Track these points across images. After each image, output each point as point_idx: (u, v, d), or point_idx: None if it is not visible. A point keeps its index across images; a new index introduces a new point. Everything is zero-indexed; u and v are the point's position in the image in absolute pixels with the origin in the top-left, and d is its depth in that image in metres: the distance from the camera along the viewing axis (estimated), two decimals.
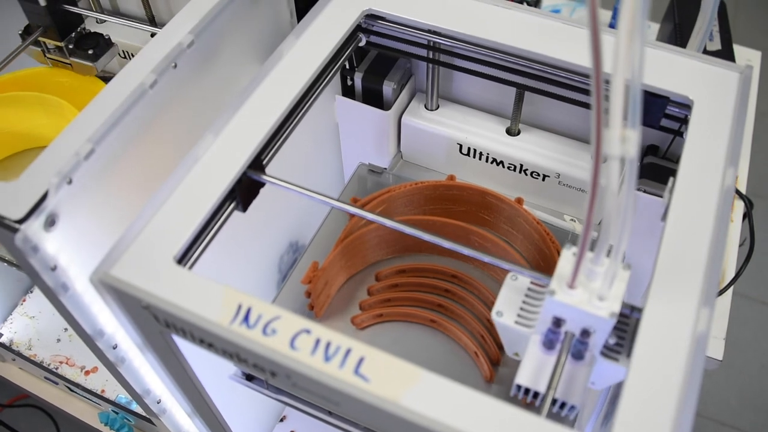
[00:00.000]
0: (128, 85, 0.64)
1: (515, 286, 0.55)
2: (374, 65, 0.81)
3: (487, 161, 0.82)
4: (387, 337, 0.72)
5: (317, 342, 0.47)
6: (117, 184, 0.65)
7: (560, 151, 0.79)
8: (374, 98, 0.82)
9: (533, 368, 0.52)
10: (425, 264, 0.75)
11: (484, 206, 0.75)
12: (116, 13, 1.02)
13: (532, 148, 0.80)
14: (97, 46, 0.83)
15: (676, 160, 0.75)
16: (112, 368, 0.75)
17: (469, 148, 0.81)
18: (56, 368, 1.12)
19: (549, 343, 0.52)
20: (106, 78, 0.94)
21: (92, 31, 0.86)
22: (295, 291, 0.74)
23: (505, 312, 0.54)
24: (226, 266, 0.76)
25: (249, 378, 0.69)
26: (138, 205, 0.69)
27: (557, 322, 0.50)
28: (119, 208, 0.66)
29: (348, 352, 0.46)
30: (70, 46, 0.83)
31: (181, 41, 0.68)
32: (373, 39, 0.75)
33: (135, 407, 1.07)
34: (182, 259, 0.54)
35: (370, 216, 0.60)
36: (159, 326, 0.53)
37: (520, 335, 0.53)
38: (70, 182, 0.58)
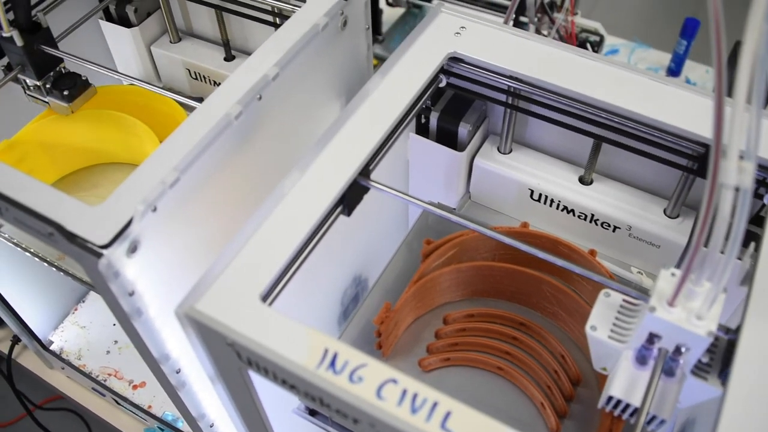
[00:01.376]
0: (214, 114, 0.65)
1: (608, 302, 0.56)
2: (450, 106, 0.81)
3: (557, 208, 0.81)
4: (453, 381, 0.71)
5: (404, 393, 0.47)
6: (198, 212, 0.65)
7: (633, 203, 0.79)
8: (448, 138, 0.82)
9: (626, 382, 0.54)
10: (494, 310, 0.74)
11: (556, 255, 0.74)
12: (189, 33, 1.03)
13: (605, 199, 0.79)
14: (74, 87, 0.83)
15: (753, 222, 0.74)
16: (171, 390, 0.75)
17: (540, 195, 0.81)
18: (104, 380, 1.12)
19: (641, 359, 0.54)
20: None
21: (70, 71, 0.85)
22: (362, 327, 0.75)
23: (598, 326, 0.55)
24: (292, 298, 0.76)
25: (312, 413, 0.69)
26: (217, 233, 0.69)
27: (651, 339, 0.51)
28: (199, 235, 0.67)
29: (435, 405, 0.46)
30: (48, 86, 0.83)
31: (266, 73, 0.68)
32: (453, 80, 0.76)
33: (181, 425, 1.08)
34: (266, 297, 0.54)
35: (507, 239, 0.59)
36: (240, 363, 0.53)
37: (612, 350, 0.55)
38: (154, 210, 0.59)
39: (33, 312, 1.11)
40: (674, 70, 1.56)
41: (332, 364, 0.49)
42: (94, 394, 1.17)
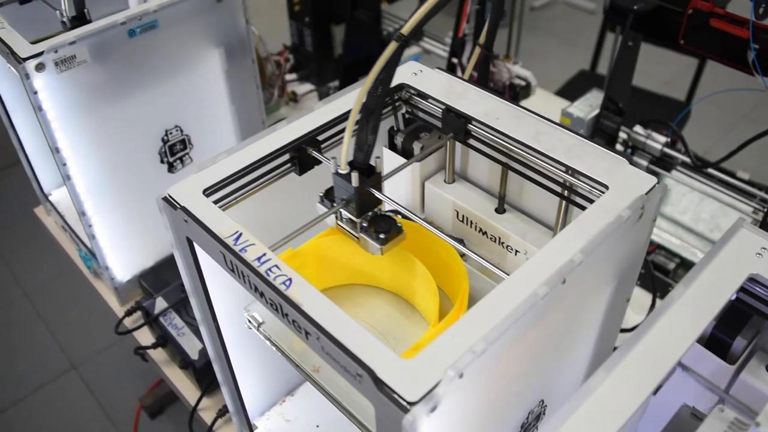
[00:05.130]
0: (521, 291, 0.68)
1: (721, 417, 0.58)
2: (729, 317, 0.81)
3: None
4: None
5: None
6: (490, 378, 0.68)
7: None
8: (720, 348, 0.81)
9: None
10: None
11: None
12: (464, 177, 1.08)
13: None
14: (389, 231, 0.85)
15: None
16: None
17: None
18: None
19: None
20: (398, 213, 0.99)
21: (388, 213, 0.87)
22: None
23: None
24: None
25: None
26: (502, 398, 0.72)
27: None
28: (486, 398, 0.70)
29: None
30: (364, 224, 0.85)
31: (572, 259, 0.71)
32: (741, 295, 0.76)
33: None
34: None
35: None
36: None
37: None
38: (461, 376, 0.62)
39: (249, 393, 1.17)
40: None
41: None
42: None
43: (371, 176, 0.83)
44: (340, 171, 0.82)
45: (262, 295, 0.74)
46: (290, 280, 0.72)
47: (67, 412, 2.54)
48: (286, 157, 0.91)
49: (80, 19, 1.30)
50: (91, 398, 2.57)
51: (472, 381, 0.65)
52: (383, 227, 0.84)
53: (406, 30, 0.74)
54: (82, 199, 1.33)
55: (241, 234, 0.77)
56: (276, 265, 0.73)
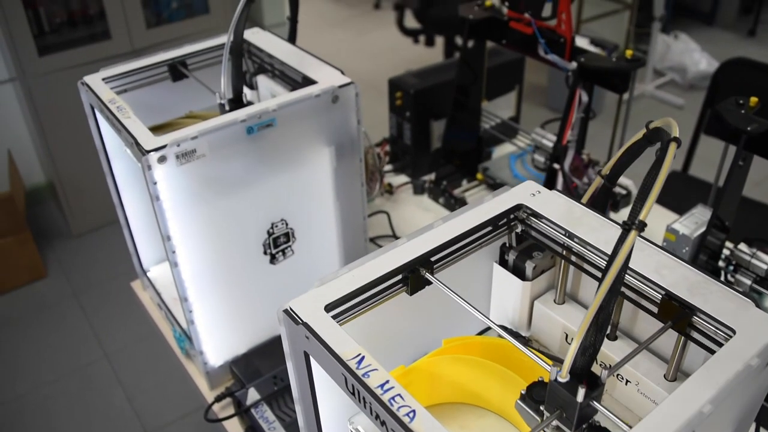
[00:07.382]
0: None
1: None
2: None
3: None
4: None
5: None
6: None
7: None
8: None
9: None
10: None
11: None
12: (574, 298, 1.08)
13: None
14: None
15: None
16: None
17: None
18: None
19: None
20: None
21: (601, 425, 0.77)
22: None
23: None
24: None
25: None
26: None
27: None
28: None
29: None
30: None
31: (702, 410, 0.70)
32: None
33: None
34: None
35: None
36: None
37: None
38: None
39: None
40: None
41: None
42: None
43: (595, 388, 0.73)
44: (560, 379, 0.73)
45: (383, 424, 0.73)
46: (414, 411, 0.72)
47: None
48: (399, 277, 0.92)
49: (237, 101, 1.36)
50: None
51: None
52: None
53: (643, 216, 0.68)
54: (186, 285, 1.36)
55: (363, 357, 0.77)
56: (399, 395, 0.73)
